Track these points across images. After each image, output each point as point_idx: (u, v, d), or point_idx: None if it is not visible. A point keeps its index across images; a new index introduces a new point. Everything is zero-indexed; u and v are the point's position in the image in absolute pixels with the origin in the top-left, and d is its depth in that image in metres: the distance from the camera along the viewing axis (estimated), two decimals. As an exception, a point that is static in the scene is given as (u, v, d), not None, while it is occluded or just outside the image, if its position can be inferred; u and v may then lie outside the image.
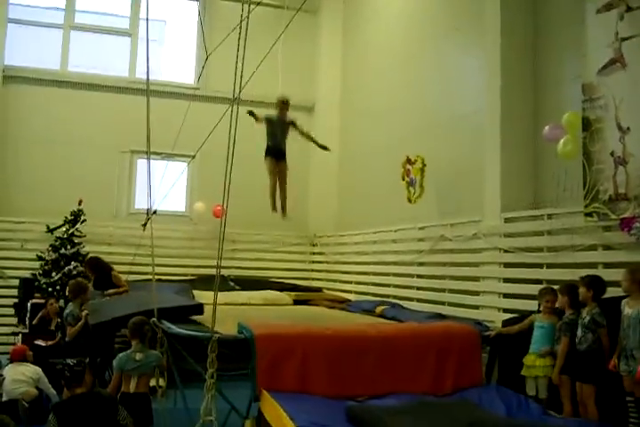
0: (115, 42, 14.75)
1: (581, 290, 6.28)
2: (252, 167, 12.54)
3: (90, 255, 11.08)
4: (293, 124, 9.66)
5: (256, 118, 9.41)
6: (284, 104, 9.62)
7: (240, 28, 5.66)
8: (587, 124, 7.09)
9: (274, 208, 9.67)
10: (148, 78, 7.65)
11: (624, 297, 6.03)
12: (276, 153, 9.67)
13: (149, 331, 6.39)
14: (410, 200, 11.05)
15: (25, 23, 14.34)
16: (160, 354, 6.45)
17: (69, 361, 5.85)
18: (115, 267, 10.46)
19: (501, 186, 8.52)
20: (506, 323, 7.60)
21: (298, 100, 14.81)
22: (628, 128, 6.65)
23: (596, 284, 6.28)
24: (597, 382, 6.04)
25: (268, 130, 9.62)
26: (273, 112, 9.76)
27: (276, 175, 9.71)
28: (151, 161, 7.50)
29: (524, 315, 7.30)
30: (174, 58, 14.86)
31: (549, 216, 7.77)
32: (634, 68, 6.63)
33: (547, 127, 7.36)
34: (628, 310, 5.85)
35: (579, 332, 6.25)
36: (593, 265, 7.00)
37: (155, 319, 7.10)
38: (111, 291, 9.96)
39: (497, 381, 7.41)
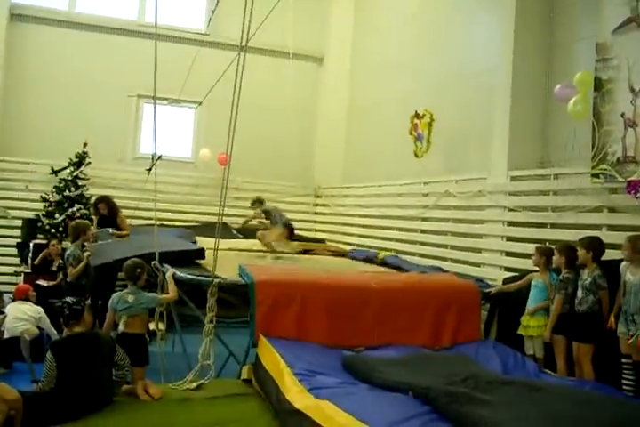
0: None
1: (580, 252, 6.30)
2: (258, 116, 12.56)
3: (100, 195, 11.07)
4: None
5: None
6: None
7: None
8: (598, 85, 7.01)
9: None
10: (156, 22, 7.53)
11: (622, 260, 6.05)
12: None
13: (141, 273, 6.38)
14: (416, 155, 10.99)
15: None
16: (155, 297, 6.46)
17: (69, 299, 5.88)
18: (118, 211, 10.54)
19: (509, 144, 8.46)
20: (506, 281, 7.65)
21: (308, 51, 14.73)
22: (640, 90, 6.59)
23: (595, 245, 6.30)
24: (596, 342, 6.10)
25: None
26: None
27: None
28: (158, 106, 7.43)
29: (524, 274, 7.33)
30: (184, 2, 14.58)
31: (556, 176, 7.73)
32: (650, 27, 6.53)
33: (558, 86, 7.27)
34: (629, 276, 5.86)
35: (579, 293, 6.28)
36: (597, 227, 6.99)
37: (156, 262, 7.13)
38: (116, 232, 10.03)
39: (495, 338, 7.49)
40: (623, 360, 5.86)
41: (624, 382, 5.85)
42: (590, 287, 6.19)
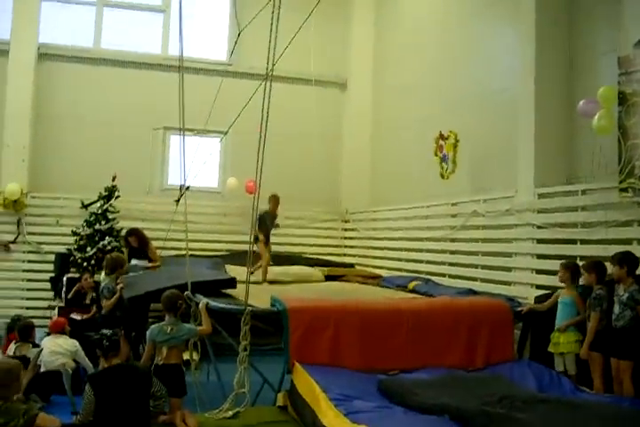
0: (147, 18, 14.73)
1: (615, 268, 6.23)
2: (283, 143, 12.63)
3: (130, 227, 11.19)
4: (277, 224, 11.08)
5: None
6: (274, 198, 10.74)
7: (273, 2, 5.67)
8: (622, 99, 6.98)
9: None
10: (181, 54, 7.66)
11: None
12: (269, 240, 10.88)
13: (182, 304, 6.47)
14: (442, 176, 11.00)
15: (59, 0, 14.38)
16: (193, 328, 6.54)
17: (105, 331, 5.95)
18: (147, 242, 10.63)
19: (535, 161, 8.44)
20: (538, 299, 7.59)
21: (330, 77, 14.84)
22: (665, 102, 6.57)
23: (629, 260, 6.23)
24: (635, 358, 6.00)
25: (271, 227, 10.87)
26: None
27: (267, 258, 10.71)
28: (184, 137, 7.51)
29: (554, 291, 7.28)
30: (206, 34, 14.79)
31: (583, 192, 7.69)
32: (672, 40, 6.52)
33: (581, 102, 7.27)
34: None
35: (615, 309, 6.20)
36: (627, 241, 6.94)
37: (188, 293, 7.19)
38: (149, 264, 10.12)
39: (529, 357, 7.42)
40: None
41: None
42: (628, 302, 6.10)
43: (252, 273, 8.92)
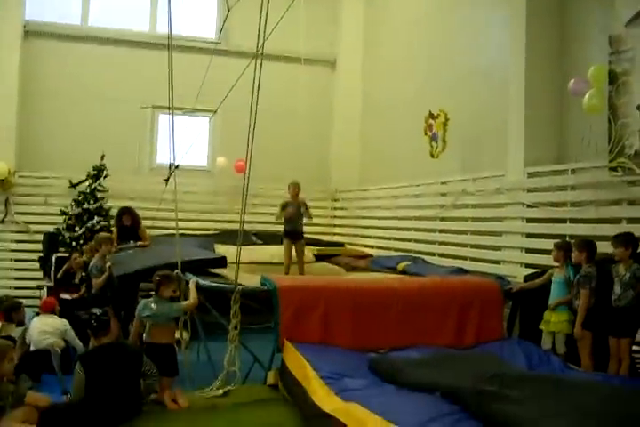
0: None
1: (618, 248, 6.22)
2: (273, 122, 12.58)
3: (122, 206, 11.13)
4: (305, 204, 10.00)
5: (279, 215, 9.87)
6: (294, 185, 9.94)
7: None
8: (613, 78, 6.98)
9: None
10: (170, 32, 7.56)
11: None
12: (293, 235, 9.91)
13: (160, 283, 6.40)
14: (432, 155, 10.99)
15: (45, -23, 14.22)
16: (177, 304, 6.46)
17: (95, 311, 5.93)
18: (137, 221, 10.59)
19: (525, 140, 8.44)
20: (528, 278, 7.62)
21: (320, 55, 14.76)
22: (656, 82, 6.56)
23: (633, 241, 6.23)
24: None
25: (285, 215, 9.84)
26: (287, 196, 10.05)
27: (290, 256, 9.85)
28: (173, 116, 7.46)
29: (545, 270, 7.31)
30: (195, 12, 14.65)
31: (573, 171, 7.71)
32: (664, 18, 6.50)
33: (572, 81, 7.25)
34: None
35: (616, 289, 6.20)
36: (617, 220, 6.98)
37: (178, 271, 7.17)
38: (140, 242, 10.09)
39: (519, 335, 7.46)
40: (635, 348, 5.82)
41: None
42: (630, 282, 6.12)
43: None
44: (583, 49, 8.21)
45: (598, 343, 6.32)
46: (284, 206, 9.84)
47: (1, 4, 13.06)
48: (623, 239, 6.24)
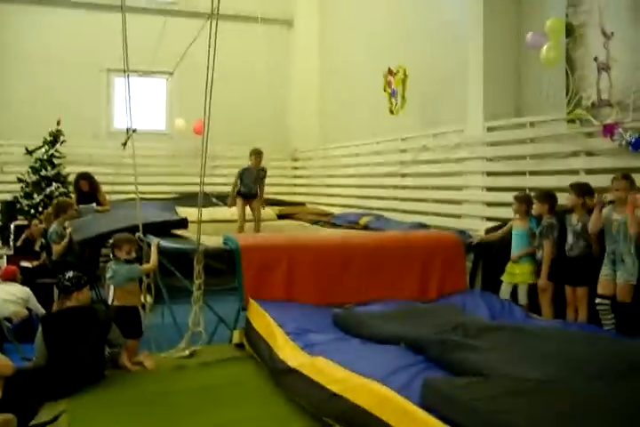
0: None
1: (571, 197, 6.29)
2: (230, 83, 12.43)
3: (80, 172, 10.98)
4: (264, 170, 9.90)
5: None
6: (257, 154, 9.75)
7: None
8: (570, 30, 7.01)
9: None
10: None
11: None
12: (247, 195, 9.82)
13: (114, 246, 6.34)
14: (392, 111, 10.90)
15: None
16: (135, 266, 6.39)
17: (71, 274, 5.82)
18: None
19: (484, 94, 8.44)
20: (489, 231, 7.69)
21: (276, 14, 14.58)
22: (612, 33, 6.57)
23: (587, 191, 6.30)
24: (590, 284, 6.11)
25: (242, 179, 9.73)
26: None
27: (244, 215, 9.75)
28: (129, 79, 7.32)
29: (506, 222, 7.37)
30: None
31: (532, 124, 7.74)
32: (620, -30, 6.49)
33: (529, 34, 7.24)
34: (616, 216, 5.86)
35: (569, 238, 6.30)
36: (575, 172, 7.04)
37: (139, 234, 7.11)
38: (100, 208, 10.00)
39: (481, 287, 7.54)
40: (599, 301, 5.92)
41: (604, 322, 5.91)
42: (581, 232, 6.21)
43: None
44: (540, 2, 8.18)
45: (556, 292, 6.44)
46: (240, 175, 9.74)
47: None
48: (577, 188, 6.31)
